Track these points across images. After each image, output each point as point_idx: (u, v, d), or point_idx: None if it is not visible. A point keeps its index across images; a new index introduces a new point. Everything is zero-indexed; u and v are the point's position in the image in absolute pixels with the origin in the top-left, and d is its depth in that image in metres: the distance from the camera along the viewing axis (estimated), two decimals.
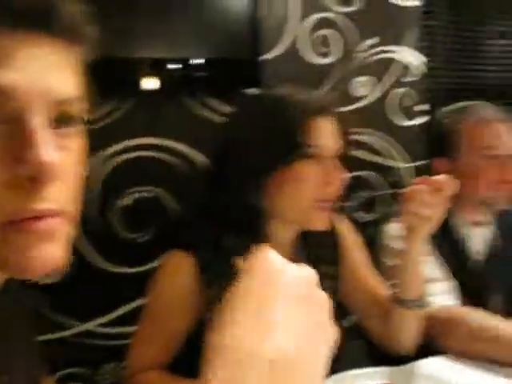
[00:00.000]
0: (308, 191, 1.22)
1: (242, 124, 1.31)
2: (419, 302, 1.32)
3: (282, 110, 1.23)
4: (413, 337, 1.35)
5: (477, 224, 1.68)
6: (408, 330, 1.35)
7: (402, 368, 1.30)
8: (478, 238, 1.67)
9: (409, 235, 1.27)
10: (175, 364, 1.24)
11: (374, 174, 2.30)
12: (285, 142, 1.20)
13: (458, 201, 1.62)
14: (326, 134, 1.24)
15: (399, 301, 1.32)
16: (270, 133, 1.21)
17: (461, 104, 1.72)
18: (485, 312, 1.42)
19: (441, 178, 1.21)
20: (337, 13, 2.24)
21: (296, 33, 2.14)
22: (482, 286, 1.62)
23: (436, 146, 1.70)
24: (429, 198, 1.20)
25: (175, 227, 1.89)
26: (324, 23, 2.21)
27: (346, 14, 2.26)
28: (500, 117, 1.63)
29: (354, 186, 2.20)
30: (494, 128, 1.61)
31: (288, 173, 1.21)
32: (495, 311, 1.47)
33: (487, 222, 1.69)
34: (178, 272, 1.23)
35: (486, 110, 1.66)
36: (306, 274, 0.48)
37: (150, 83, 1.84)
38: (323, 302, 0.48)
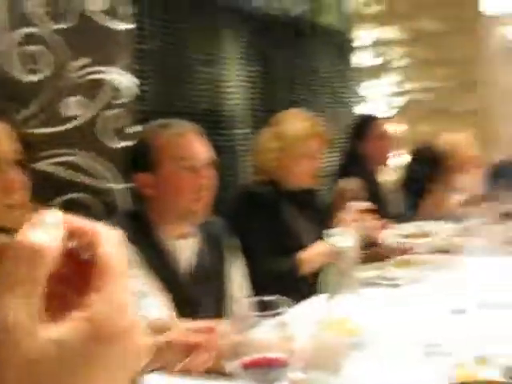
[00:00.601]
0: None
1: None
2: None
3: None
4: None
5: (183, 236, 1.75)
6: None
7: None
8: (186, 250, 1.75)
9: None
10: None
11: (87, 195, 2.27)
12: None
13: (162, 213, 1.69)
14: None
15: None
16: None
17: (159, 121, 1.80)
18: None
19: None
20: (46, 29, 2.17)
21: (0, 47, 2.02)
22: (193, 298, 1.71)
23: (138, 161, 1.75)
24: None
25: None
26: (32, 39, 2.12)
27: (57, 32, 2.20)
28: (194, 130, 1.76)
29: (68, 208, 2.14)
30: (188, 140, 1.73)
31: None
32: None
33: (192, 233, 1.79)
34: None
35: (180, 124, 1.77)
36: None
37: None
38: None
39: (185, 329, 1.23)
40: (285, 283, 1.96)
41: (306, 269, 2.08)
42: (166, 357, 1.19)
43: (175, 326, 1.45)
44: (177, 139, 1.72)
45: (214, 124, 3.39)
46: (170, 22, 3.09)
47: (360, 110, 5.17)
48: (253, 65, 3.77)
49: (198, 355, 1.18)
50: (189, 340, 1.19)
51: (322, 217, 2.36)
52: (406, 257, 2.36)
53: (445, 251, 2.36)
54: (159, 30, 3.01)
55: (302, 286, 1.90)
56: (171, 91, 3.01)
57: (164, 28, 3.05)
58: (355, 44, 5.31)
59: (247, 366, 1.02)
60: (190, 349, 1.18)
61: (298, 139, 2.28)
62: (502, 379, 1.19)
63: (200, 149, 1.74)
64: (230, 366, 1.05)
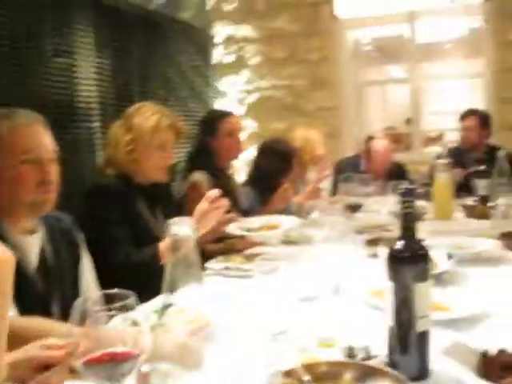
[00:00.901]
0: None
1: None
2: None
3: None
4: None
5: (28, 232, 1.68)
6: None
7: None
8: (32, 247, 1.68)
9: None
10: None
11: None
12: None
13: (4, 208, 1.61)
14: None
15: None
16: None
17: (0, 111, 1.70)
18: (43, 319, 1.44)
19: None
20: None
21: None
22: (41, 295, 1.65)
23: None
24: None
25: None
26: None
27: None
28: (38, 121, 1.68)
29: None
30: (31, 132, 1.64)
31: None
32: (56, 319, 1.51)
33: (36, 228, 1.71)
34: None
35: (24, 114, 1.68)
36: None
37: None
38: None
39: (41, 345, 1.18)
40: (143, 275, 1.95)
41: (164, 260, 2.07)
42: (22, 372, 1.14)
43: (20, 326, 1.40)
44: (19, 130, 1.63)
45: (67, 117, 3.28)
46: (20, 8, 2.93)
47: (218, 105, 5.24)
48: (107, 57, 3.69)
49: (54, 371, 1.15)
50: (44, 356, 1.16)
51: (174, 210, 2.37)
52: (255, 249, 2.43)
53: (293, 243, 2.46)
54: (7, 15, 2.85)
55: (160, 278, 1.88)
56: (19, 82, 2.86)
57: (12, 12, 2.88)
58: (214, 40, 5.37)
59: (90, 363, 1.01)
60: (45, 365, 1.15)
61: (150, 132, 2.27)
62: (342, 359, 1.28)
63: (45, 141, 1.66)
64: (76, 364, 1.03)
